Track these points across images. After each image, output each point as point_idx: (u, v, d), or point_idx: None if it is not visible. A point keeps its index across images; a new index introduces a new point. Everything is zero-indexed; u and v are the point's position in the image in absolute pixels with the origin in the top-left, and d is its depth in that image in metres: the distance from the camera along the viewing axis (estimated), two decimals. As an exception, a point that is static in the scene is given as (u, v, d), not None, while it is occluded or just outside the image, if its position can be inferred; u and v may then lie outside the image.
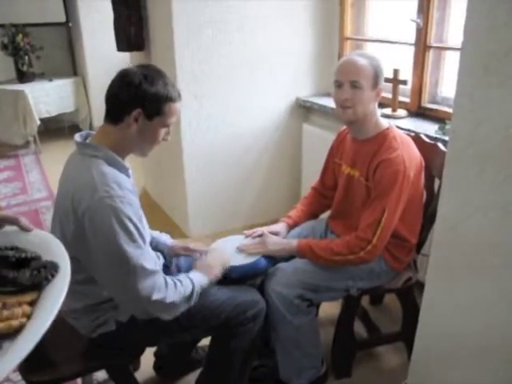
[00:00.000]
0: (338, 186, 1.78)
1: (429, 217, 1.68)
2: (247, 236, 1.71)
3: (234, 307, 1.45)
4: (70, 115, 5.18)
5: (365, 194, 1.61)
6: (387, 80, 2.33)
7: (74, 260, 1.27)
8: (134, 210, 1.23)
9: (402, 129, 2.02)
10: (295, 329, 1.58)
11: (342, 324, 1.76)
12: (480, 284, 1.14)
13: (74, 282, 1.30)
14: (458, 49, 1.98)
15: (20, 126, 4.56)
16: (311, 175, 1.95)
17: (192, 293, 1.34)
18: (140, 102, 1.25)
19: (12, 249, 0.92)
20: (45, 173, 4.17)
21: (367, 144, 1.60)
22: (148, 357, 1.77)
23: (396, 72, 2.29)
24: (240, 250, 1.62)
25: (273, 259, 1.63)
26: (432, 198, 1.72)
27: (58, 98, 4.88)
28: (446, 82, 2.29)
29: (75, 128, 5.16)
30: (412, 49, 2.30)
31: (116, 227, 1.18)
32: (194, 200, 2.83)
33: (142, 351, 1.54)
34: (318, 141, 2.64)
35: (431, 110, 2.29)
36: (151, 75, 1.28)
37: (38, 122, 4.58)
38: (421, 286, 1.37)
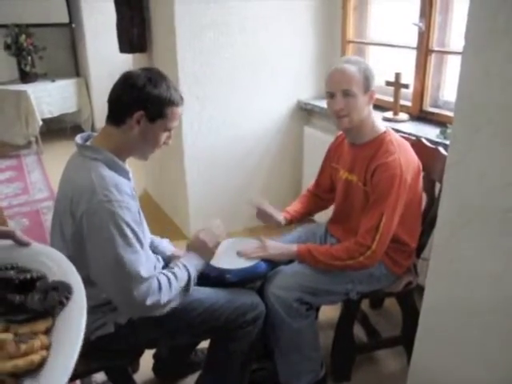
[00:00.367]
0: (336, 190, 1.78)
1: (429, 221, 1.68)
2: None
3: (233, 310, 1.45)
4: (72, 116, 5.19)
5: (363, 199, 1.60)
6: (389, 83, 2.34)
7: (72, 261, 1.28)
8: (132, 215, 1.23)
9: (403, 132, 2.03)
10: (294, 332, 1.58)
11: (341, 328, 1.76)
12: (480, 289, 1.13)
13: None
14: (459, 53, 1.97)
15: (22, 126, 4.57)
16: (312, 178, 1.95)
17: (188, 283, 1.34)
18: (143, 104, 1.26)
19: (12, 268, 0.81)
20: (46, 173, 4.18)
21: (364, 149, 1.60)
22: (147, 359, 1.77)
23: (398, 76, 2.29)
24: (240, 255, 1.62)
25: (272, 263, 1.63)
26: (433, 203, 1.72)
27: (61, 99, 4.89)
28: (448, 86, 2.29)
29: (77, 128, 5.17)
30: (414, 52, 2.30)
31: (113, 232, 1.18)
32: (195, 202, 2.84)
33: (141, 353, 1.54)
34: (319, 143, 2.63)
35: (433, 113, 2.28)
36: (155, 78, 1.29)
37: (40, 123, 4.59)
38: (421, 289, 1.36)
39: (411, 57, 2.33)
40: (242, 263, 1.57)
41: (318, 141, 2.70)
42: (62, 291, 0.74)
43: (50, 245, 1.35)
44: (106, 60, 4.69)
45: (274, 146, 2.95)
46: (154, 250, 1.57)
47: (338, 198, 1.77)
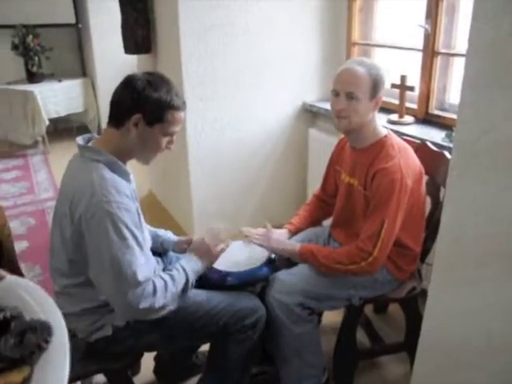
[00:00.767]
0: (338, 193, 1.77)
1: (434, 225, 1.65)
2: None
3: (233, 314, 1.44)
4: (78, 116, 5.21)
5: (364, 203, 1.58)
6: (394, 86, 2.32)
7: (72, 262, 1.28)
8: (131, 217, 1.23)
9: (408, 135, 2.01)
10: (296, 337, 1.56)
11: (343, 333, 1.74)
12: (483, 294, 1.12)
13: (71, 285, 1.32)
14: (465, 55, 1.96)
15: (29, 125, 4.60)
16: (317, 180, 1.94)
17: (186, 286, 1.34)
18: (141, 107, 1.26)
19: None
20: (52, 173, 4.20)
21: (365, 153, 1.58)
22: (148, 361, 1.77)
23: (403, 78, 2.26)
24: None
25: (273, 266, 1.62)
26: (437, 207, 1.70)
27: (67, 99, 4.92)
28: (454, 89, 2.26)
29: (84, 128, 5.20)
30: (420, 55, 2.28)
31: (111, 233, 1.18)
32: (198, 203, 2.83)
33: (140, 355, 1.53)
34: (324, 146, 2.62)
35: (439, 116, 2.26)
36: (155, 82, 1.28)
37: (47, 122, 4.62)
38: (426, 294, 1.35)
39: (417, 59, 2.31)
40: (244, 266, 1.56)
41: (323, 143, 2.68)
42: (41, 333, 0.65)
43: (50, 245, 1.35)
44: (113, 60, 4.70)
45: (279, 147, 2.93)
46: (160, 245, 1.61)
47: (339, 202, 1.75)
